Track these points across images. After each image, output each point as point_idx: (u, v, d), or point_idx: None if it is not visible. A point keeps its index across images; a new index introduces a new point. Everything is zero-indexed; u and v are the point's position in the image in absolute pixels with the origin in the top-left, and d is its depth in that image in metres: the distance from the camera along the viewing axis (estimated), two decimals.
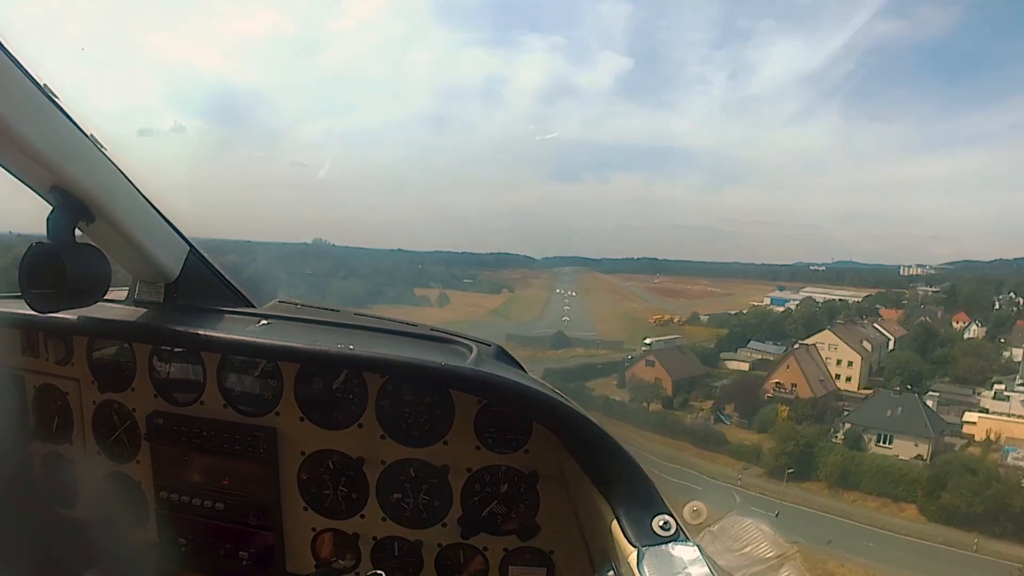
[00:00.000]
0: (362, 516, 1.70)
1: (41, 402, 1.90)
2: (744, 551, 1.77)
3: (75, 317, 1.66)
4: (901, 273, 51.92)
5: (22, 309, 1.48)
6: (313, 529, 1.72)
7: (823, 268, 57.11)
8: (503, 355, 1.69)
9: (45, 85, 1.31)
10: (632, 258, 66.57)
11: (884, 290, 49.91)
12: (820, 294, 51.12)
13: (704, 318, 53.07)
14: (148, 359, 1.77)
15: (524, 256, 64.52)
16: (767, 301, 52.43)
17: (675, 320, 53.16)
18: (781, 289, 53.95)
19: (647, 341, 46.24)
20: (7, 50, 1.21)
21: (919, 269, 50.95)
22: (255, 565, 1.73)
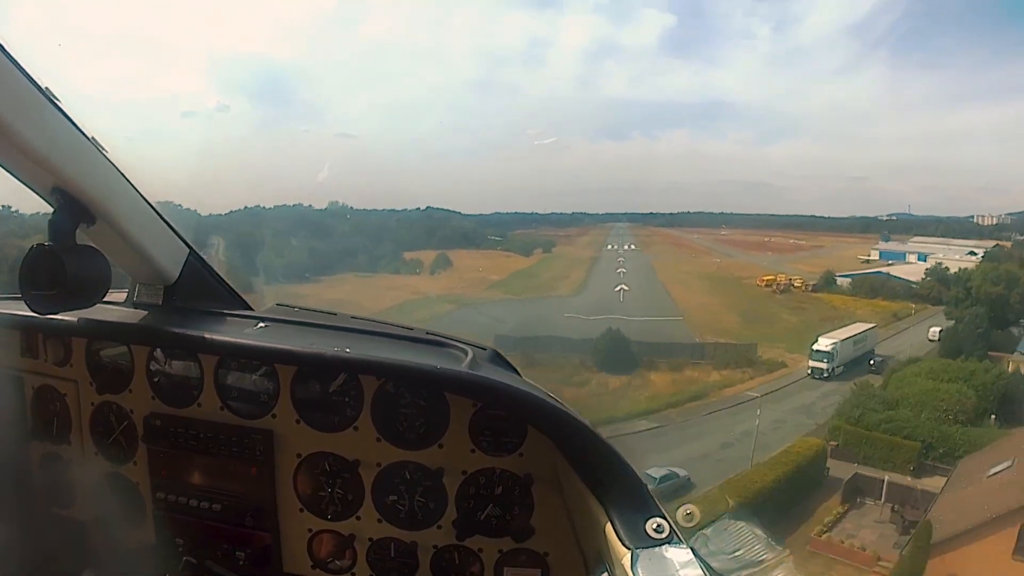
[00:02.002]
0: (358, 517, 1.71)
1: (40, 403, 1.90)
2: (737, 553, 1.79)
3: (74, 319, 1.67)
4: (977, 222, 46.23)
5: (22, 310, 1.49)
6: (309, 530, 1.73)
7: (894, 219, 51.43)
8: (498, 359, 1.71)
9: (47, 88, 1.32)
10: (688, 212, 60.25)
11: None
12: (932, 247, 41.87)
13: (843, 281, 37.75)
14: (146, 361, 1.78)
15: (571, 213, 58.73)
16: (874, 255, 43.39)
17: (796, 284, 39.17)
18: (885, 239, 46.05)
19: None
20: (9, 54, 1.23)
21: (994, 219, 45.56)
22: (252, 565, 1.74)
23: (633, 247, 51.62)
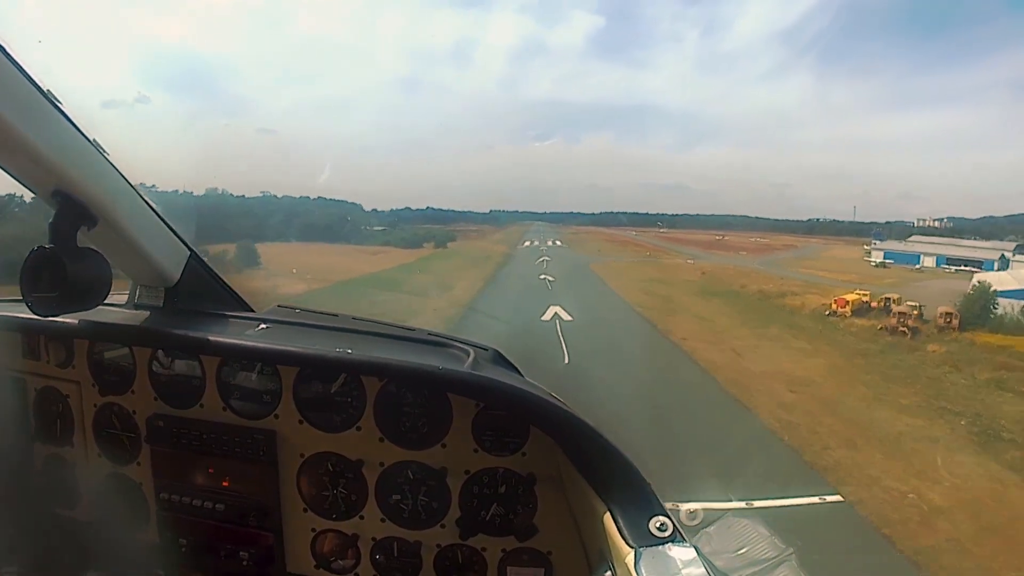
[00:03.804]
0: (361, 517, 1.71)
1: (42, 404, 1.91)
2: (741, 552, 1.79)
3: (76, 320, 1.67)
4: (917, 226, 40.86)
5: (24, 312, 1.49)
6: (313, 530, 1.74)
7: (846, 223, 45.22)
8: (500, 359, 1.71)
9: (48, 90, 1.32)
10: (611, 212, 55.44)
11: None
12: (931, 248, 34.40)
13: (1008, 305, 20.38)
14: (148, 362, 1.78)
15: (489, 212, 54.56)
16: (876, 256, 34.94)
17: (901, 309, 20.37)
18: (880, 238, 38.33)
19: None
20: (9, 55, 1.23)
21: (936, 222, 41.16)
22: (256, 565, 1.74)
23: (559, 243, 43.04)
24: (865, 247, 37.67)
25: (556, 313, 20.32)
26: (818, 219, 48.25)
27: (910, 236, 38.36)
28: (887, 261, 34.39)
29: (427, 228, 43.72)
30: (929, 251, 34.97)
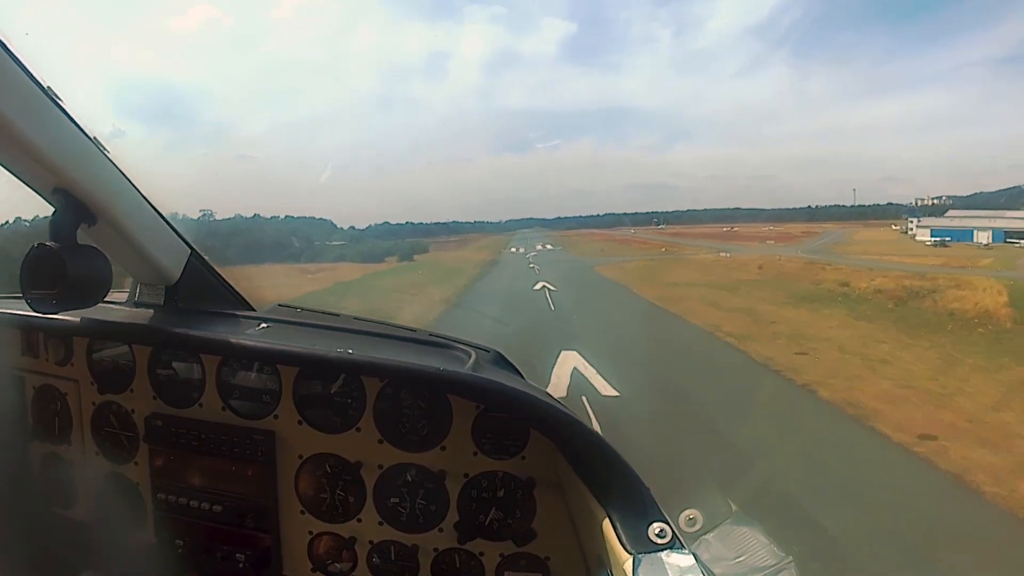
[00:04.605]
0: (359, 520, 1.70)
1: (40, 403, 1.90)
2: (740, 559, 1.77)
3: (76, 318, 1.67)
4: (917, 205, 38.97)
5: (23, 310, 1.49)
6: (310, 532, 1.73)
7: (847, 207, 42.59)
8: (501, 361, 1.70)
9: (49, 87, 1.32)
10: (596, 215, 52.33)
11: None
12: (973, 223, 30.57)
13: None
14: (147, 361, 1.78)
15: (473, 222, 50.89)
16: (922, 234, 31.55)
17: None
18: (916, 216, 35.09)
19: None
20: (11, 52, 1.23)
21: (935, 201, 39.13)
22: (252, 567, 1.73)
23: (550, 246, 38.48)
24: (894, 226, 35.80)
25: (576, 369, 9.78)
26: (815, 206, 46.46)
27: (945, 212, 35.59)
28: (946, 239, 30.98)
29: (395, 242, 39.32)
30: (973, 226, 31.51)
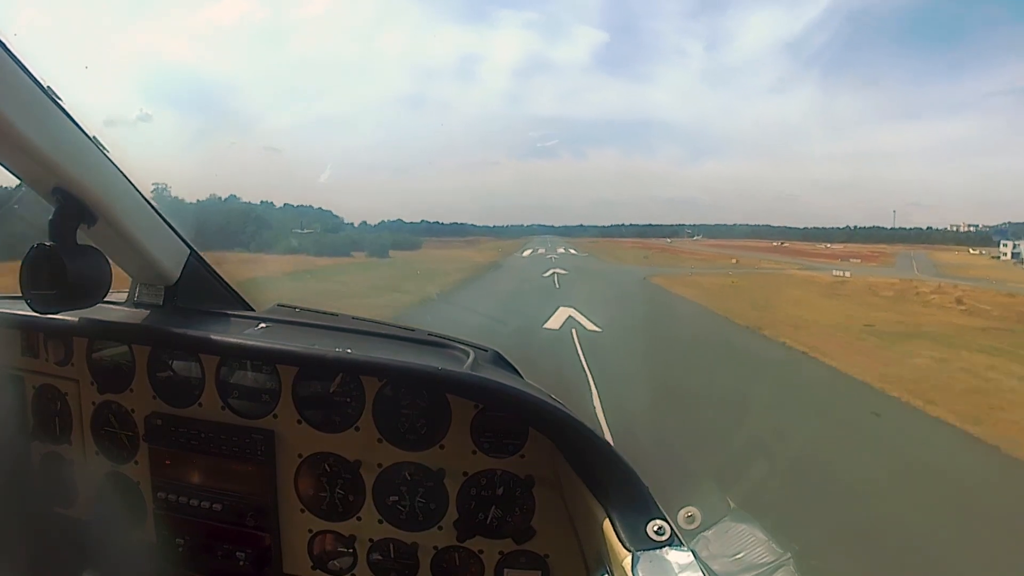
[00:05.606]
0: (358, 518, 1.71)
1: (40, 402, 1.90)
2: (739, 556, 1.78)
3: (75, 318, 1.67)
4: (952, 230, 38.91)
5: (22, 310, 1.49)
6: (310, 531, 1.73)
7: (887, 230, 40.90)
8: (500, 360, 1.70)
9: (48, 87, 1.32)
10: (624, 224, 50.46)
11: None
12: None
13: None
14: (147, 361, 1.78)
15: (492, 226, 49.28)
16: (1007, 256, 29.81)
17: None
18: (1005, 236, 32.71)
19: None
20: (10, 51, 1.23)
21: (970, 228, 38.96)
22: (252, 565, 1.74)
23: (573, 251, 35.49)
24: (980, 251, 33.72)
25: None
26: (855, 227, 45.71)
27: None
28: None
29: (376, 235, 34.66)
30: None
